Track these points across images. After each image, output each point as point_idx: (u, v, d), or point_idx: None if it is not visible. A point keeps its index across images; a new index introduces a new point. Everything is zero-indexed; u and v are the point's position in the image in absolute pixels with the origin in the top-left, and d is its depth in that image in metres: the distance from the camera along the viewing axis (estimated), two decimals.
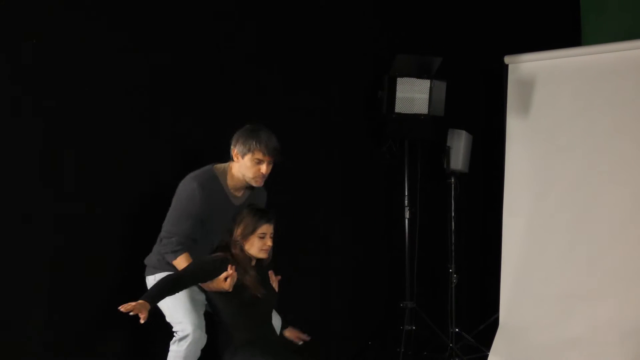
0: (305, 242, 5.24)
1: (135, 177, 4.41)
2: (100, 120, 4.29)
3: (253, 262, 4.07)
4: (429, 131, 5.72)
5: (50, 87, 4.06)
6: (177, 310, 4.00)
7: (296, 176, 5.01)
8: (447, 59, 5.71)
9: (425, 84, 5.60)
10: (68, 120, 4.13)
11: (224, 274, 3.89)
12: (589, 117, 5.47)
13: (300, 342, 4.32)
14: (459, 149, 5.86)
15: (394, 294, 5.84)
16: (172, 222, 4.04)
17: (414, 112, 5.62)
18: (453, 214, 5.93)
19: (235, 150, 4.08)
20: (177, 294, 3.90)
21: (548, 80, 5.69)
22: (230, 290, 3.91)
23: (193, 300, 4.02)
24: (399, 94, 5.58)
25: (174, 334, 4.02)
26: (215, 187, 4.07)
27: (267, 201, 4.28)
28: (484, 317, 5.91)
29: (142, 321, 3.61)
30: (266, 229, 4.03)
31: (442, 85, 5.66)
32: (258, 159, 4.04)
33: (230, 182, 4.12)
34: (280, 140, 4.09)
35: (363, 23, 5.78)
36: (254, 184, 4.10)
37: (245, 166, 4.06)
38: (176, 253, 3.99)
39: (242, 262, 4.00)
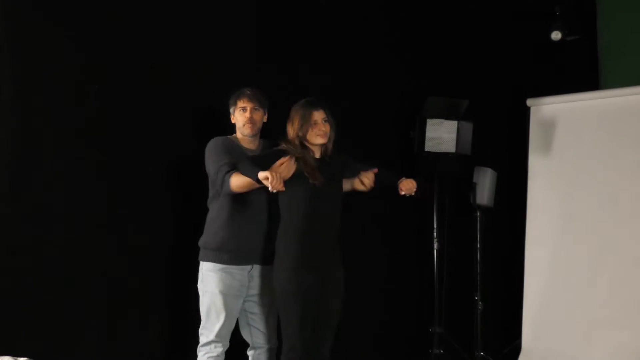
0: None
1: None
2: None
3: (317, 154, 4.07)
4: (456, 168, 5.77)
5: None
6: (209, 315, 4.05)
7: None
8: (473, 101, 5.74)
9: (453, 124, 5.65)
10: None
11: (279, 161, 3.85)
12: (607, 156, 5.46)
13: (402, 192, 4.26)
14: (484, 185, 5.86)
15: (423, 319, 5.86)
16: (214, 162, 4.06)
17: (443, 151, 5.67)
18: (479, 246, 5.94)
19: (231, 117, 4.23)
20: (218, 299, 3.98)
21: (568, 121, 5.68)
22: (287, 176, 3.85)
23: (229, 308, 4.03)
24: (429, 133, 5.64)
25: (200, 335, 4.07)
26: (231, 144, 4.15)
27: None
28: (508, 342, 5.87)
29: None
30: (317, 115, 4.03)
31: (469, 126, 5.70)
32: (242, 107, 4.15)
33: (240, 142, 4.19)
34: None
35: (397, 68, 5.83)
36: (245, 132, 4.16)
37: (237, 120, 4.19)
38: (229, 172, 3.96)
39: (302, 153, 4.00)
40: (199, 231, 4.19)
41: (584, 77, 6.13)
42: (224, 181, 3.99)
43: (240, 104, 4.16)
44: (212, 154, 4.10)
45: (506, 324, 6.01)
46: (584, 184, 5.55)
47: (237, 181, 3.94)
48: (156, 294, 4.50)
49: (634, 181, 5.33)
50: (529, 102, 5.86)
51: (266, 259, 4.14)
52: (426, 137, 5.63)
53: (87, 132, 4.23)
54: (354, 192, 4.35)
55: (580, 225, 5.52)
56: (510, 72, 6.23)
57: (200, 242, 4.15)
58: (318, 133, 4.04)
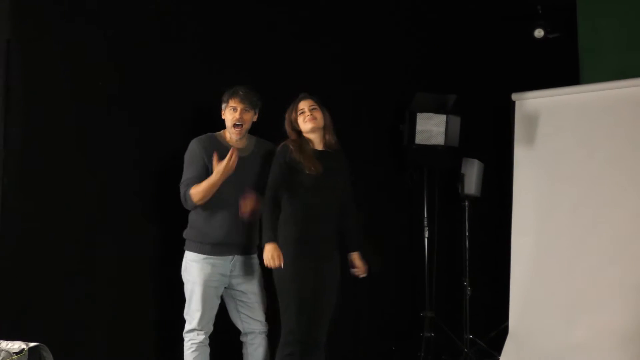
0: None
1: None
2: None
3: (318, 146, 4.13)
4: (445, 160, 5.82)
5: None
6: (191, 303, 4.08)
7: None
8: (461, 96, 5.80)
9: (441, 118, 5.69)
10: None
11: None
12: (588, 147, 5.51)
13: (361, 275, 4.29)
14: (472, 176, 5.92)
15: (415, 304, 5.91)
16: (184, 175, 4.11)
17: (432, 143, 5.71)
18: (467, 234, 5.99)
19: (222, 112, 4.20)
20: (198, 289, 4.01)
21: (551, 114, 5.73)
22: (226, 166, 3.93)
23: (209, 297, 4.06)
24: (419, 127, 5.68)
25: (185, 320, 4.10)
26: (214, 143, 4.12)
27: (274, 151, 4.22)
28: (495, 325, 5.92)
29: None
30: (303, 104, 4.15)
31: (456, 120, 5.75)
32: (233, 107, 4.12)
33: (228, 139, 4.17)
34: None
35: (388, 65, 5.86)
36: (232, 133, 4.14)
37: (226, 118, 4.17)
38: (188, 187, 4.03)
39: (298, 142, 4.09)
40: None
41: (565, 73, 6.14)
42: (186, 200, 4.06)
43: (232, 103, 4.14)
44: (185, 162, 4.15)
45: (493, 308, 6.05)
46: (566, 173, 5.60)
47: (198, 194, 4.01)
48: (143, 282, 4.50)
49: (612, 170, 5.39)
50: (514, 96, 5.91)
51: (247, 249, 4.20)
52: (416, 130, 5.67)
53: (86, 131, 4.23)
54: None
55: (563, 212, 5.56)
56: (495, 68, 6.28)
57: (185, 234, 4.19)
58: (305, 119, 4.13)
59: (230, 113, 4.14)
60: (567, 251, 5.50)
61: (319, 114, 4.16)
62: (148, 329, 4.48)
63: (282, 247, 4.06)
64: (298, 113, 4.16)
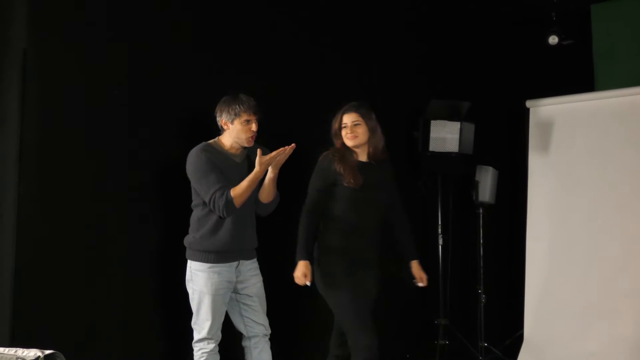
0: None
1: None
2: None
3: (362, 157, 4.08)
4: (459, 167, 5.82)
5: None
6: (199, 312, 4.02)
7: None
8: (475, 103, 5.81)
9: (455, 125, 5.69)
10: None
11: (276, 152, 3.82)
12: (602, 154, 5.49)
13: (420, 284, 4.30)
14: (486, 183, 5.91)
15: (429, 312, 5.89)
16: (203, 184, 3.95)
17: (446, 151, 5.71)
18: (481, 241, 5.98)
19: (222, 120, 4.06)
20: (207, 299, 3.95)
21: (565, 121, 5.71)
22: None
23: (218, 306, 4.00)
24: (433, 134, 5.68)
25: (193, 329, 4.05)
26: (214, 152, 4.02)
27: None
28: (510, 333, 5.90)
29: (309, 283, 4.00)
30: (346, 118, 4.08)
31: (470, 127, 5.76)
32: (246, 120, 4.02)
33: (226, 147, 4.07)
34: None
35: (401, 72, 5.86)
36: (247, 144, 4.05)
37: (236, 130, 4.02)
38: (224, 196, 3.89)
39: (342, 152, 4.05)
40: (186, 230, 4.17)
41: (579, 79, 6.13)
42: (228, 206, 3.92)
43: (245, 116, 4.01)
44: (198, 174, 3.99)
45: (508, 315, 6.03)
46: (580, 180, 5.57)
47: (241, 195, 3.91)
48: (153, 291, 4.49)
49: (626, 177, 5.36)
50: (528, 103, 5.89)
51: (250, 254, 4.16)
52: (430, 137, 5.68)
53: (96, 136, 4.22)
54: None
55: (578, 219, 5.54)
56: (509, 75, 6.29)
57: (186, 242, 4.09)
58: (347, 136, 4.09)
59: (244, 126, 4.02)
60: (582, 258, 5.47)
61: (361, 130, 4.09)
62: (158, 337, 4.48)
63: (324, 257, 4.08)
64: (342, 125, 4.11)
